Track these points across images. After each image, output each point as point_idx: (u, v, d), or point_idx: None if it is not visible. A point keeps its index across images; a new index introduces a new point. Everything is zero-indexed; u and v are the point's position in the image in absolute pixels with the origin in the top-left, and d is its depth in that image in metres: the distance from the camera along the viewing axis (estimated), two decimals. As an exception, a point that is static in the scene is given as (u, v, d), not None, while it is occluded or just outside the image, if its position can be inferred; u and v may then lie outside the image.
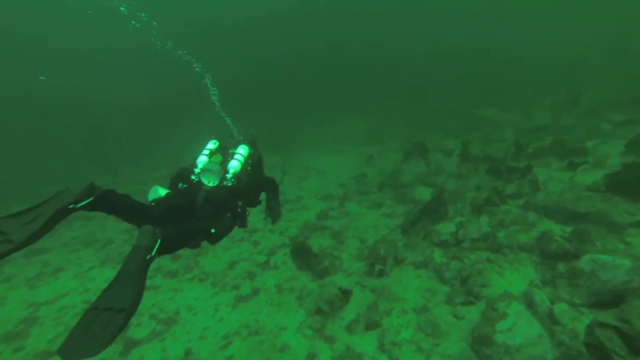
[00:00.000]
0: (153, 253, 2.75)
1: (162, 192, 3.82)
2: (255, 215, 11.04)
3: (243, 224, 4.32)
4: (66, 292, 8.25)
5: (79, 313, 7.55)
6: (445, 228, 7.86)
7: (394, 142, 16.76)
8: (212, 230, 3.65)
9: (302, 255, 8.20)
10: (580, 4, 37.86)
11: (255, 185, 4.58)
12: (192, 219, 3.66)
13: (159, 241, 2.84)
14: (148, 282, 7.64)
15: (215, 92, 6.11)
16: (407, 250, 7.83)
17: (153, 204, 3.63)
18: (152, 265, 9.27)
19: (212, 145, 4.50)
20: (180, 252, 9.39)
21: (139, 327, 7.15)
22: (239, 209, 4.17)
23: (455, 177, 10.75)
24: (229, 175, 4.08)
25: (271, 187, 4.85)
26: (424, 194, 10.45)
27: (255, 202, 4.70)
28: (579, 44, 28.20)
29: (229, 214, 3.99)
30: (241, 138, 5.13)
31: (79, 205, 2.81)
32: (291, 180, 13.92)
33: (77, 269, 9.26)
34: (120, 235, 10.88)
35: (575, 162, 8.61)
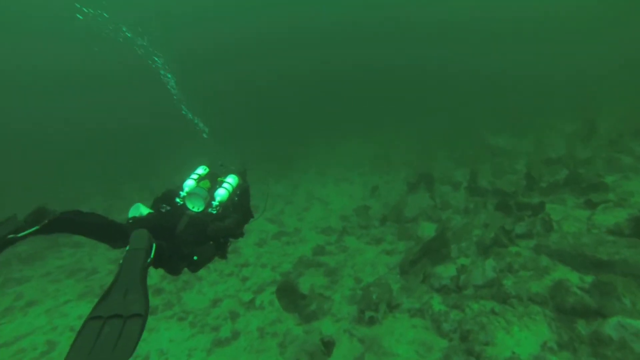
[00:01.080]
0: (152, 256, 2.56)
1: (144, 210, 3.56)
2: (249, 247, 10.22)
3: (224, 255, 4.11)
4: (30, 331, 7.46)
5: (36, 358, 6.72)
6: (446, 271, 6.91)
7: (402, 171, 15.87)
8: (195, 257, 3.51)
9: (289, 295, 7.28)
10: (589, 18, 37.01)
11: (244, 216, 4.38)
12: (175, 242, 3.40)
13: (154, 245, 2.65)
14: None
15: (170, 77, 5.59)
16: (403, 295, 6.86)
17: (131, 221, 3.37)
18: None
19: (201, 170, 4.32)
20: (164, 285, 8.53)
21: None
22: (222, 239, 4.00)
23: (462, 213, 9.78)
24: (215, 203, 3.91)
25: (243, 221, 4.41)
26: (428, 230, 9.49)
27: (237, 234, 4.34)
28: (588, 58, 27.05)
29: (211, 242, 3.83)
30: (232, 168, 4.75)
31: (21, 234, 2.44)
32: (292, 210, 13.10)
33: (51, 302, 8.50)
34: (108, 265, 10.14)
35: (594, 201, 7.57)
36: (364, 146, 20.17)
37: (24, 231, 2.46)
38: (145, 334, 7.24)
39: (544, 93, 22.00)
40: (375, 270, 8.54)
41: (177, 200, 3.87)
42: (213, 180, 4.28)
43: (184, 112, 5.29)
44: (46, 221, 2.58)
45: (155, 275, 9.21)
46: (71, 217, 2.78)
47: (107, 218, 3.07)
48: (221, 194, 4.02)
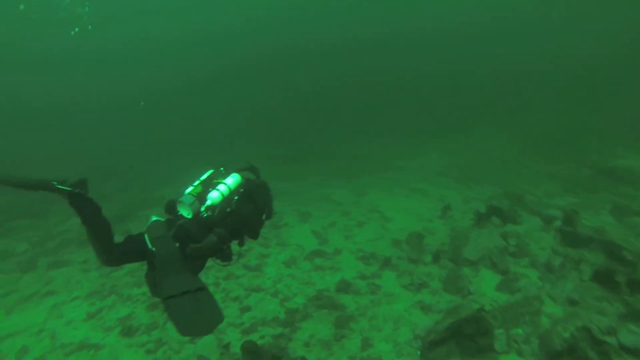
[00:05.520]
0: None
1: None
2: (275, 265, 8.25)
3: (225, 257, 3.72)
4: (21, 330, 6.69)
5: None
6: (473, 385, 3.92)
7: (490, 187, 12.13)
8: None
9: (255, 358, 5.08)
10: None
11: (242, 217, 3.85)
12: None
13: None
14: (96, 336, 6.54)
15: None
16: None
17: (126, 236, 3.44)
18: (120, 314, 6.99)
19: (205, 175, 4.02)
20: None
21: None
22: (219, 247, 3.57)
23: (542, 269, 6.25)
24: (203, 207, 3.61)
25: (249, 231, 4.00)
26: (487, 283, 6.37)
27: (251, 236, 4.06)
28: None
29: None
30: (235, 167, 4.29)
31: (59, 186, 2.90)
32: (344, 224, 10.65)
33: (63, 296, 7.74)
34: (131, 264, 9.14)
35: None
36: (452, 151, 16.43)
37: (61, 185, 2.92)
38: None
39: None
40: (396, 332, 5.84)
41: (178, 208, 3.65)
42: (209, 184, 3.87)
43: None
44: (77, 190, 2.99)
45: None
46: (88, 203, 3.04)
47: (111, 232, 3.17)
48: (212, 196, 3.66)
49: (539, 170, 12.12)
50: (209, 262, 9.00)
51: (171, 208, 3.72)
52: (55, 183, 2.87)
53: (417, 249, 8.31)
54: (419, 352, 5.21)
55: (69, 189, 2.94)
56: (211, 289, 7.60)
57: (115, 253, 3.19)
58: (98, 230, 3.08)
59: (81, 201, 3.00)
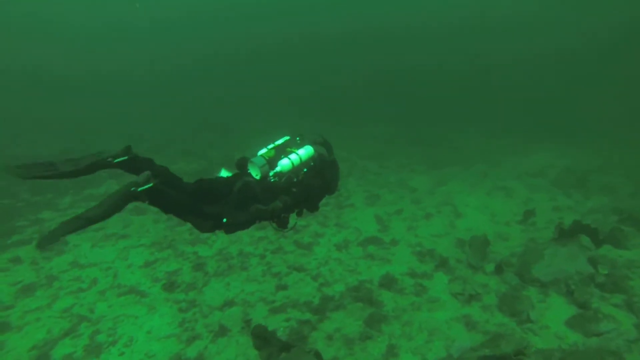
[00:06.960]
0: (139, 189, 2.72)
1: (224, 174, 3.76)
2: (325, 247, 7.93)
3: (282, 224, 3.79)
4: (95, 263, 7.44)
5: (74, 291, 6.56)
6: None
7: (597, 198, 9.98)
8: (224, 220, 3.31)
9: (265, 344, 4.78)
10: None
11: (308, 189, 3.91)
12: (217, 203, 3.39)
13: (150, 184, 2.80)
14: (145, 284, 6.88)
15: None
16: None
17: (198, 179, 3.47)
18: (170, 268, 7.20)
19: (280, 141, 4.06)
20: (210, 264, 7.13)
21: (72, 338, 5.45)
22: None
23: None
24: (272, 172, 3.69)
25: (309, 201, 4.01)
26: (554, 315, 5.12)
27: (307, 207, 4.07)
28: None
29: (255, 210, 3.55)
30: (311, 139, 4.32)
31: (115, 160, 2.90)
32: (411, 213, 9.71)
33: (133, 241, 8.30)
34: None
35: None
36: (566, 154, 13.91)
37: (118, 158, 2.91)
38: (139, 314, 6.02)
39: None
40: (428, 345, 5.11)
41: (248, 167, 3.74)
42: (282, 150, 3.92)
43: None
44: (132, 155, 2.98)
45: (211, 250, 7.93)
46: (145, 163, 3.05)
47: (174, 174, 3.23)
48: (283, 163, 3.73)
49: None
50: (261, 233, 8.81)
51: (242, 165, 3.77)
52: (110, 159, 2.89)
53: (479, 254, 7.13)
54: (446, 376, 4.43)
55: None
56: (256, 260, 7.62)
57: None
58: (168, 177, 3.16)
59: (138, 167, 3.00)
